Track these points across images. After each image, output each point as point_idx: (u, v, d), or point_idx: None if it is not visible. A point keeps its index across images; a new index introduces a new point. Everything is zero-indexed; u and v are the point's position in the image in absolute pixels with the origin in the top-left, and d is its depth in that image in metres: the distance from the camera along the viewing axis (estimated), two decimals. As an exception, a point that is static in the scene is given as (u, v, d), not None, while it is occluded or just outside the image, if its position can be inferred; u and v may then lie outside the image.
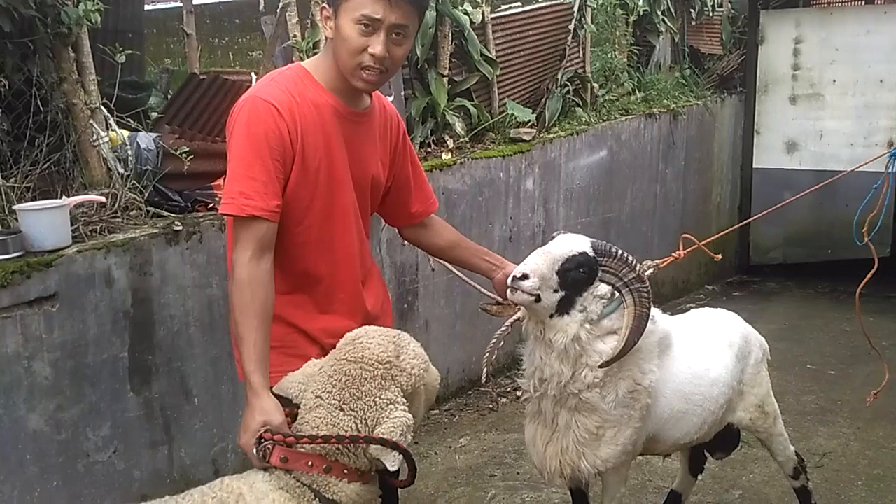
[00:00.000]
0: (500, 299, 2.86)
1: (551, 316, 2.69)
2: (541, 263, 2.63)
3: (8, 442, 2.96)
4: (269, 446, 2.03)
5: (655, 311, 2.96)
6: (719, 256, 3.54)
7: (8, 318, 2.92)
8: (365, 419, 2.03)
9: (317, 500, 2.01)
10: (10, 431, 2.96)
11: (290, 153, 2.23)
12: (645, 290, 2.73)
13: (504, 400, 5.26)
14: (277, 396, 2.16)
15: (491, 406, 5.25)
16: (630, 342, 2.69)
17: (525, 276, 2.59)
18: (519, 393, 5.14)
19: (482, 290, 3.01)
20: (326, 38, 2.37)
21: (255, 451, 2.04)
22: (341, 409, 2.05)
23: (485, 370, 3.04)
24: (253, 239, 2.18)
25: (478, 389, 5.44)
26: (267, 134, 2.18)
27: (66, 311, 3.11)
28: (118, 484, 3.35)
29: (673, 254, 3.32)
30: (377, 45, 2.21)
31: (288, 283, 2.36)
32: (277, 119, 2.20)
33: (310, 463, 2.02)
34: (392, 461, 1.99)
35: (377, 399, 2.03)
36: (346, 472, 2.04)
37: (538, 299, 2.63)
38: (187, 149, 3.63)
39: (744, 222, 6.84)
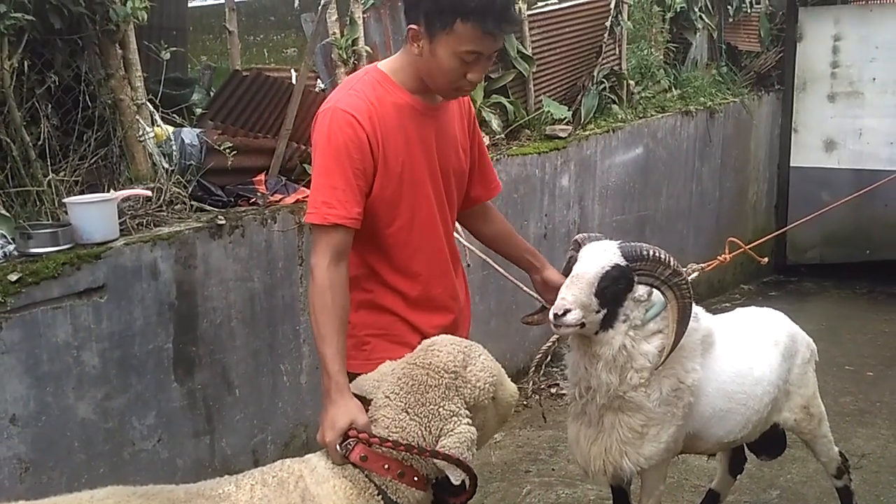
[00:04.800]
0: (543, 301, 2.87)
1: (596, 333, 2.70)
2: (578, 293, 2.63)
3: (57, 429, 3.03)
4: (352, 444, 2.05)
5: (698, 310, 2.96)
6: (765, 260, 3.50)
7: (58, 308, 2.99)
8: (429, 427, 2.05)
9: (380, 497, 2.03)
10: (59, 419, 3.03)
11: (371, 160, 2.28)
12: (683, 282, 2.73)
13: (540, 396, 5.25)
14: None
15: (525, 402, 5.25)
16: (678, 335, 2.70)
17: (567, 312, 2.60)
18: (554, 390, 5.18)
19: (526, 289, 3.01)
20: (411, 48, 2.34)
21: (338, 447, 2.05)
22: (406, 413, 2.07)
23: (530, 386, 3.06)
24: (332, 245, 2.24)
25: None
26: (347, 144, 2.24)
27: (114, 302, 3.17)
28: (162, 472, 3.41)
29: (718, 257, 3.30)
30: (477, 73, 2.28)
31: (389, 278, 2.42)
32: (357, 128, 2.25)
33: (386, 466, 2.04)
34: (456, 476, 2.01)
35: (440, 409, 2.05)
36: (416, 479, 2.06)
37: (583, 325, 2.64)
38: (230, 144, 3.68)
39: (789, 226, 6.72)
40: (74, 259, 3.03)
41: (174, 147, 3.68)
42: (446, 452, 2.00)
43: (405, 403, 2.08)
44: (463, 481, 2.02)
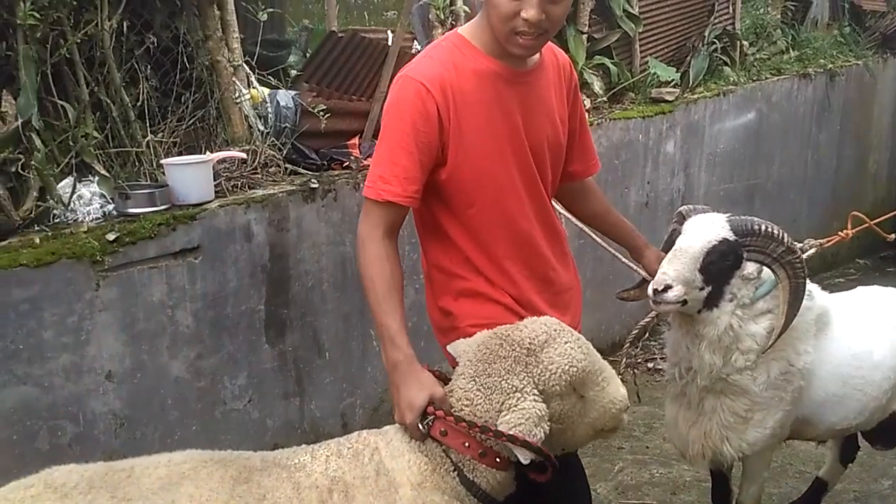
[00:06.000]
0: (642, 273, 2.72)
1: (699, 311, 2.53)
2: (681, 268, 2.46)
3: (152, 387, 3.09)
4: (432, 421, 1.97)
5: (813, 287, 2.75)
6: (893, 237, 3.22)
7: (154, 268, 3.03)
8: (491, 399, 1.95)
9: (456, 474, 1.96)
10: (153, 377, 3.09)
11: (439, 135, 2.13)
12: (797, 260, 2.53)
13: (636, 371, 5.07)
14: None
15: (622, 377, 5.09)
16: (790, 317, 2.50)
17: (668, 287, 2.43)
18: (651, 365, 4.99)
19: (625, 260, 2.86)
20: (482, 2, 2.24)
21: (420, 426, 1.96)
22: (474, 381, 1.98)
23: (623, 361, 2.92)
24: (384, 220, 2.13)
25: (607, 359, 5.26)
26: (413, 116, 2.10)
27: (208, 264, 3.19)
28: (252, 432, 3.45)
29: (840, 232, 3.05)
30: (530, 10, 2.03)
31: (480, 264, 2.27)
32: (426, 98, 2.10)
33: (466, 444, 1.95)
34: (524, 456, 1.90)
35: (503, 382, 1.94)
36: (498, 460, 1.97)
37: (684, 303, 2.47)
38: (324, 107, 3.63)
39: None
40: (170, 220, 3.06)
41: (269, 109, 3.67)
42: (508, 431, 1.89)
43: (474, 371, 1.99)
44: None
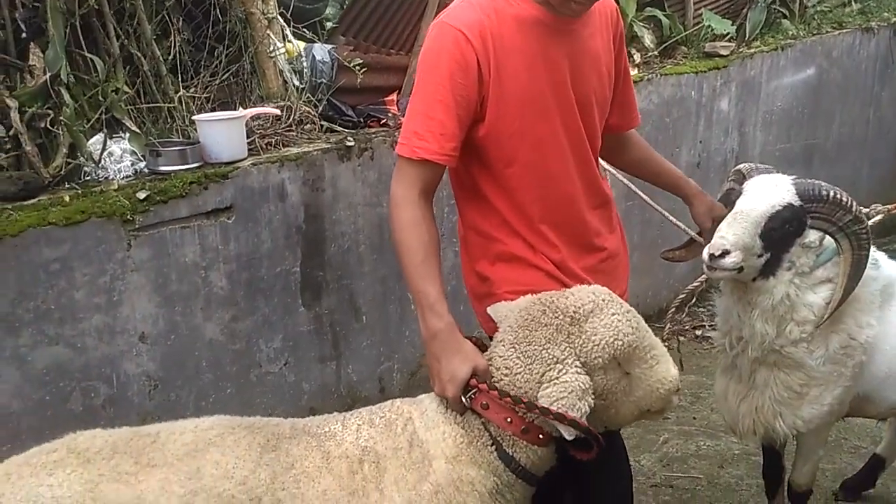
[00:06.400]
0: (693, 235, 2.56)
1: (754, 279, 2.37)
2: (741, 233, 2.29)
3: (186, 349, 3.03)
4: (475, 394, 1.86)
5: (879, 255, 2.57)
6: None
7: (186, 227, 2.95)
8: (531, 369, 1.83)
9: (494, 448, 1.85)
10: (187, 339, 3.03)
11: (478, 86, 1.98)
12: (863, 231, 2.35)
13: (682, 339, 4.91)
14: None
15: (667, 344, 4.93)
16: (847, 291, 2.33)
17: (726, 253, 2.27)
18: (700, 332, 4.82)
19: (675, 221, 2.70)
20: None
21: (464, 399, 1.85)
22: (513, 348, 1.87)
23: (667, 328, 2.77)
24: (420, 180, 2.00)
25: (654, 326, 5.11)
26: (451, 66, 1.95)
27: (241, 224, 3.10)
28: (288, 395, 3.39)
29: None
30: None
31: (519, 227, 2.14)
32: (464, 48, 1.95)
33: (508, 419, 1.84)
34: (568, 433, 1.78)
35: (543, 351, 1.82)
36: (541, 436, 1.85)
37: (740, 270, 2.31)
38: (361, 61, 3.49)
39: None
40: (202, 178, 2.97)
41: (305, 64, 3.54)
42: (551, 407, 1.77)
43: (514, 338, 1.87)
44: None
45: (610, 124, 2.31)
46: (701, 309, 4.83)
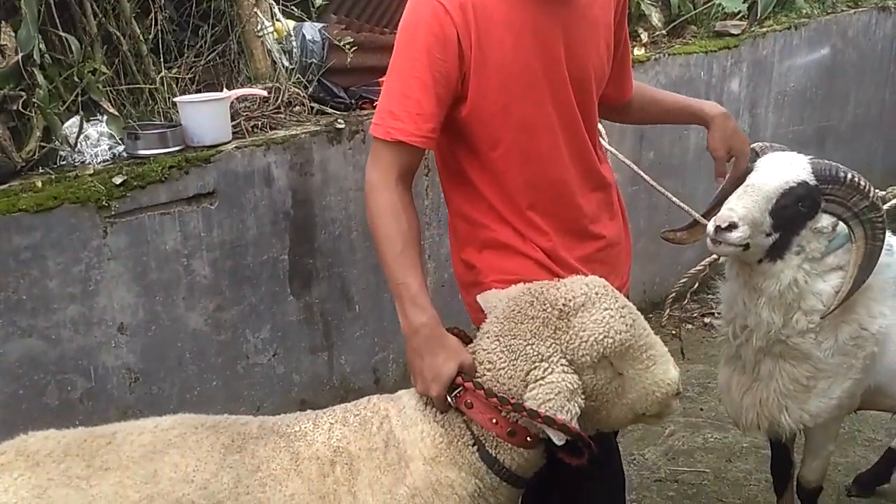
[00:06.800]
0: (699, 218, 2.41)
1: (760, 261, 2.22)
2: (751, 206, 2.15)
3: (167, 339, 2.92)
4: (460, 392, 1.73)
5: (893, 240, 2.41)
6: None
7: (166, 214, 2.83)
8: (515, 365, 1.70)
9: (476, 449, 1.73)
10: (169, 329, 2.92)
11: (458, 62, 1.83)
12: (879, 219, 2.21)
13: (689, 326, 4.77)
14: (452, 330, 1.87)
15: (674, 332, 4.78)
16: (858, 283, 2.19)
17: (733, 226, 2.12)
18: (708, 320, 4.67)
19: (682, 204, 2.56)
20: None
21: (449, 398, 1.73)
22: (498, 341, 1.74)
23: (666, 312, 2.64)
24: (397, 163, 1.86)
25: (660, 313, 4.97)
26: (428, 40, 1.80)
27: (225, 210, 2.98)
28: (278, 387, 3.28)
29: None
30: None
31: (506, 213, 2.01)
32: (443, 20, 1.80)
33: (494, 420, 1.71)
34: (557, 437, 1.65)
35: (528, 347, 1.69)
36: (528, 439, 1.72)
37: (746, 247, 2.17)
38: (351, 40, 3.35)
39: None
40: (182, 162, 2.84)
41: (294, 44, 3.40)
42: (539, 410, 1.64)
43: (499, 329, 1.74)
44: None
45: (605, 94, 2.16)
46: (710, 296, 4.67)
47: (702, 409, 3.97)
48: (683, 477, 3.48)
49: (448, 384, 1.72)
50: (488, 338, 1.77)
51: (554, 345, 1.69)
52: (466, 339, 1.88)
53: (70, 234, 2.63)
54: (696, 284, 2.68)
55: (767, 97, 5.37)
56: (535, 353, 1.69)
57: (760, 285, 2.26)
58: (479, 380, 1.73)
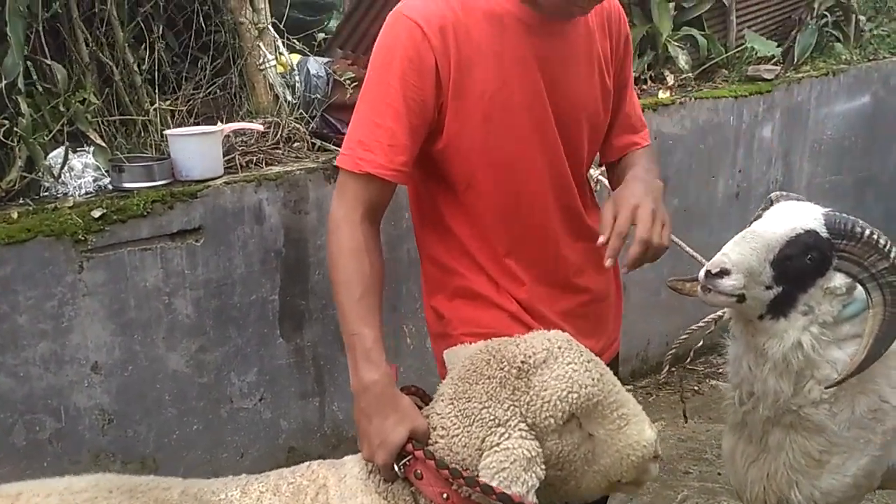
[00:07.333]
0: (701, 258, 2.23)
1: (761, 317, 2.02)
2: (748, 253, 1.95)
3: (145, 380, 2.80)
4: (409, 461, 1.55)
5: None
6: None
7: (147, 250, 2.73)
8: (470, 432, 1.52)
9: None
10: (147, 370, 2.80)
11: (434, 91, 1.68)
12: None
13: (713, 382, 4.53)
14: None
15: (696, 387, 4.56)
16: (872, 355, 1.97)
17: (724, 273, 1.93)
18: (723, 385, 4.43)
19: (693, 252, 2.38)
20: None
21: (396, 467, 1.55)
22: (452, 404, 1.57)
23: (665, 368, 2.44)
24: (365, 199, 1.70)
25: (682, 367, 4.73)
26: (403, 65, 1.66)
27: (212, 247, 2.87)
28: (264, 433, 3.13)
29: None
30: None
31: (482, 259, 1.85)
32: (420, 44, 1.65)
33: (445, 495, 1.52)
34: None
35: (484, 411, 1.52)
36: None
37: (741, 299, 1.97)
38: (353, 75, 3.25)
39: None
40: (167, 197, 2.75)
41: (298, 78, 3.32)
42: (490, 484, 1.46)
43: (454, 392, 1.57)
44: None
45: (611, 145, 1.99)
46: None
47: (719, 474, 3.71)
48: (693, 549, 3.24)
49: (396, 451, 1.55)
50: (443, 401, 1.60)
51: (512, 407, 1.52)
52: (427, 400, 1.72)
53: (43, 268, 2.54)
54: (701, 342, 2.47)
55: (803, 145, 5.14)
56: (492, 418, 1.51)
57: (763, 345, 2.06)
58: (431, 448, 1.56)
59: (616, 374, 1.77)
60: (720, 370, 4.58)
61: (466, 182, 1.79)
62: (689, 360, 2.59)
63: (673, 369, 3.02)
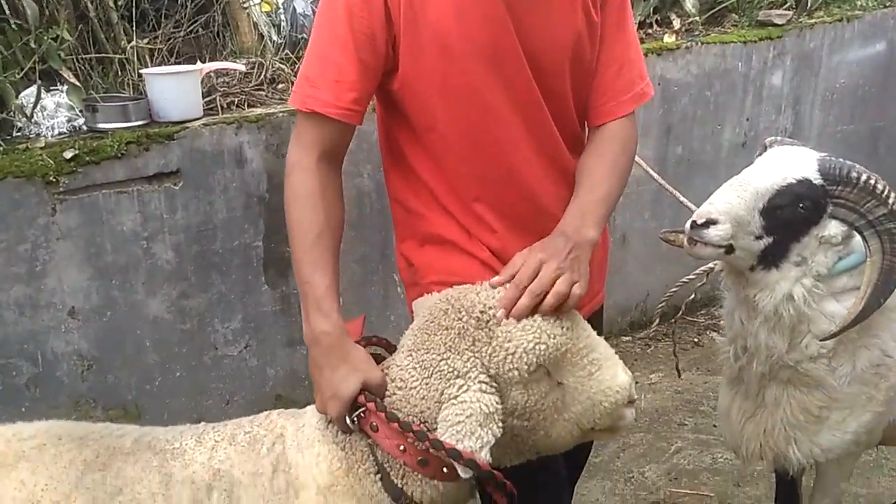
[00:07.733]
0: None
1: (752, 269, 1.92)
2: (735, 201, 1.83)
3: (125, 326, 2.75)
4: (363, 412, 1.49)
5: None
6: None
7: (123, 193, 2.65)
8: (429, 384, 1.46)
9: (379, 478, 1.49)
10: (126, 315, 2.74)
11: (385, 24, 1.58)
12: None
13: (713, 334, 4.44)
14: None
15: (696, 339, 4.48)
16: (870, 305, 1.87)
17: (710, 223, 1.83)
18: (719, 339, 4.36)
19: (689, 203, 2.29)
20: None
21: (348, 420, 1.49)
22: (411, 355, 1.50)
23: (655, 322, 2.35)
24: (320, 141, 1.62)
25: (683, 318, 4.64)
26: None
27: (191, 191, 2.79)
28: (249, 381, 3.09)
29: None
30: None
31: (449, 204, 1.76)
32: None
33: (402, 447, 1.46)
34: (464, 471, 1.40)
35: (441, 362, 1.45)
36: (445, 470, 1.46)
37: (730, 250, 1.87)
38: (340, 12, 3.12)
39: None
40: (143, 138, 2.65)
41: (283, 17, 3.19)
42: (441, 439, 1.39)
43: (413, 343, 1.51)
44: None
45: (588, 105, 1.81)
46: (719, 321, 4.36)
47: (714, 426, 3.64)
48: (684, 500, 3.18)
49: (348, 404, 1.48)
50: (402, 352, 1.53)
51: (472, 359, 1.44)
52: (392, 351, 1.64)
53: (14, 209, 2.47)
54: (693, 295, 2.38)
55: (814, 93, 4.97)
56: (450, 370, 1.44)
57: (754, 298, 1.96)
58: (389, 399, 1.49)
59: (599, 327, 1.70)
60: (720, 322, 4.50)
61: (427, 123, 1.69)
62: (680, 313, 2.48)
63: (672, 320, 2.94)
